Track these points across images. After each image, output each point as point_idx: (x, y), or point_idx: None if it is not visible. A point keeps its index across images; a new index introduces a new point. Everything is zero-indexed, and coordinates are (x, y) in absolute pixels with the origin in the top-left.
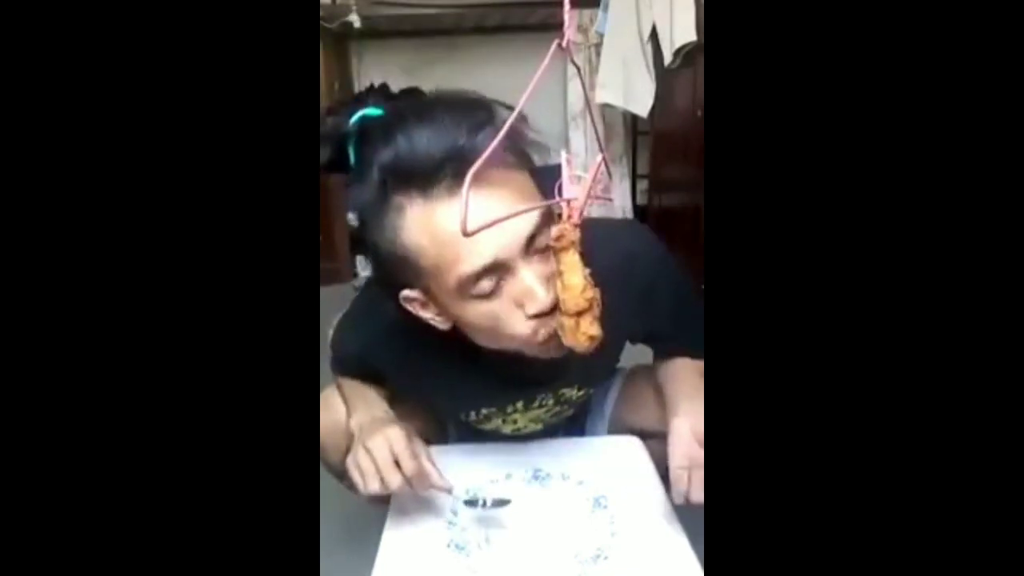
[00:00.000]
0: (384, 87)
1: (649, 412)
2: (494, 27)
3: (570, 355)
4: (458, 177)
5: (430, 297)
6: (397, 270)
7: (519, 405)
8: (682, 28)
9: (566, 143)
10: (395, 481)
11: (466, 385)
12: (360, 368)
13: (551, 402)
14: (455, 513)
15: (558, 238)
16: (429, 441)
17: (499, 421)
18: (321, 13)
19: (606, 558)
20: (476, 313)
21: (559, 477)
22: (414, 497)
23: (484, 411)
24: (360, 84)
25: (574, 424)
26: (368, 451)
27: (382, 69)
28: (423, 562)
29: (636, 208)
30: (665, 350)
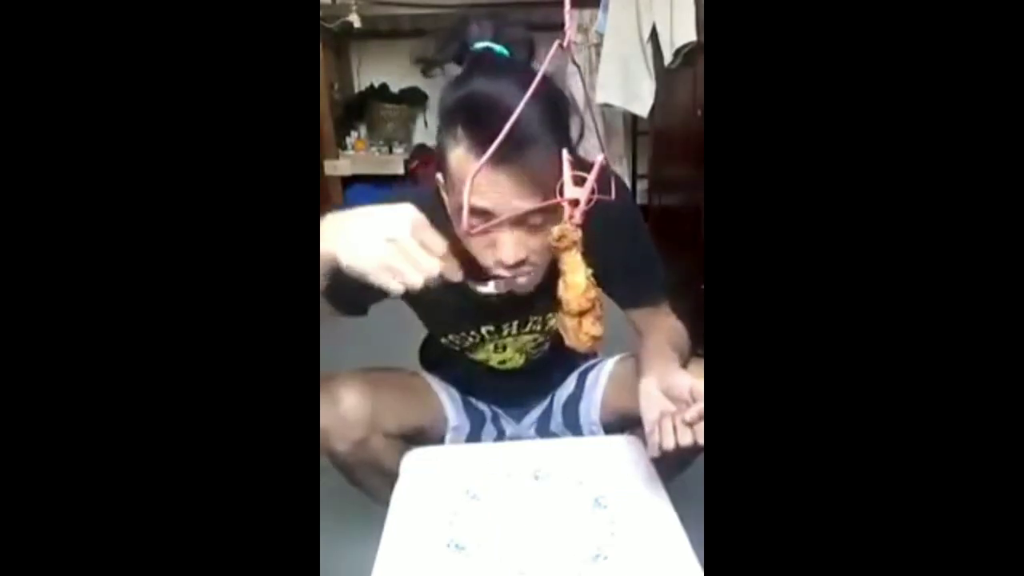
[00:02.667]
0: (384, 87)
1: (635, 397)
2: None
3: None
4: (502, 157)
5: (448, 193)
6: (439, 158)
7: (515, 325)
8: (682, 28)
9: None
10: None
11: (471, 297)
12: None
13: (539, 328)
14: (455, 513)
15: (560, 238)
16: (430, 441)
17: (491, 347)
18: (321, 13)
19: (606, 558)
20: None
21: (559, 477)
22: (414, 497)
23: (483, 329)
24: (360, 84)
25: (568, 412)
26: (394, 241)
27: (382, 69)
28: (423, 562)
29: None
30: (626, 298)
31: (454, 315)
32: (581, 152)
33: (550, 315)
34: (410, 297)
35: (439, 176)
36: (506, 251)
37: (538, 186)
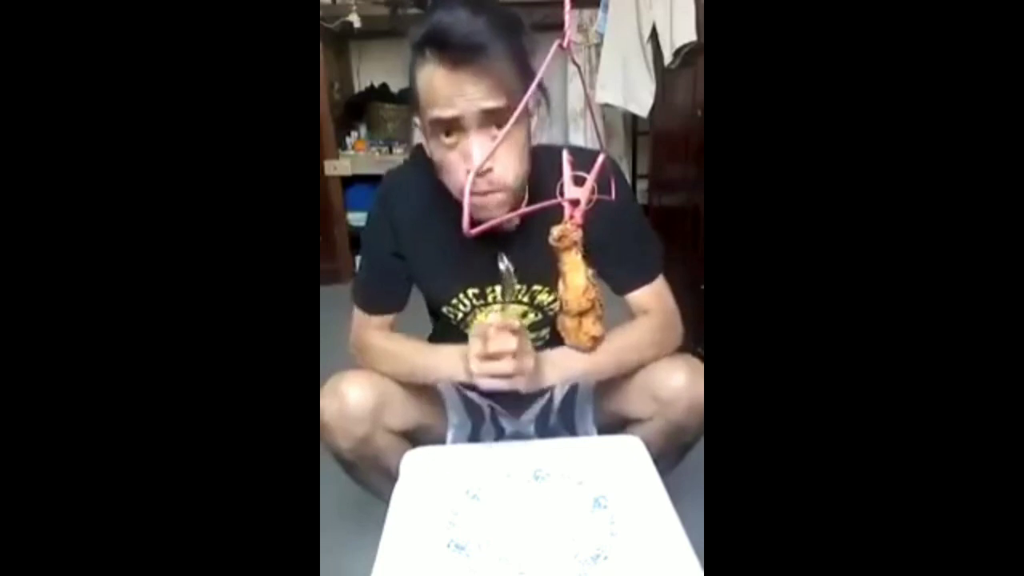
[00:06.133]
0: (384, 87)
1: (633, 399)
2: (528, 25)
3: (527, 244)
4: (460, 61)
5: (421, 128)
6: (414, 101)
7: (498, 291)
8: (682, 28)
9: (566, 143)
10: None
11: (454, 252)
12: (384, 239)
13: (526, 300)
14: (455, 513)
15: (560, 238)
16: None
17: (482, 316)
18: (321, 13)
19: (606, 558)
20: (438, 153)
21: (559, 477)
22: (414, 497)
23: (471, 292)
24: (360, 84)
25: (564, 414)
26: (487, 356)
27: (382, 69)
28: (423, 562)
29: None
30: (619, 279)
31: (441, 271)
32: (532, 62)
33: (536, 287)
34: (408, 255)
35: (416, 123)
36: (475, 157)
37: (500, 87)
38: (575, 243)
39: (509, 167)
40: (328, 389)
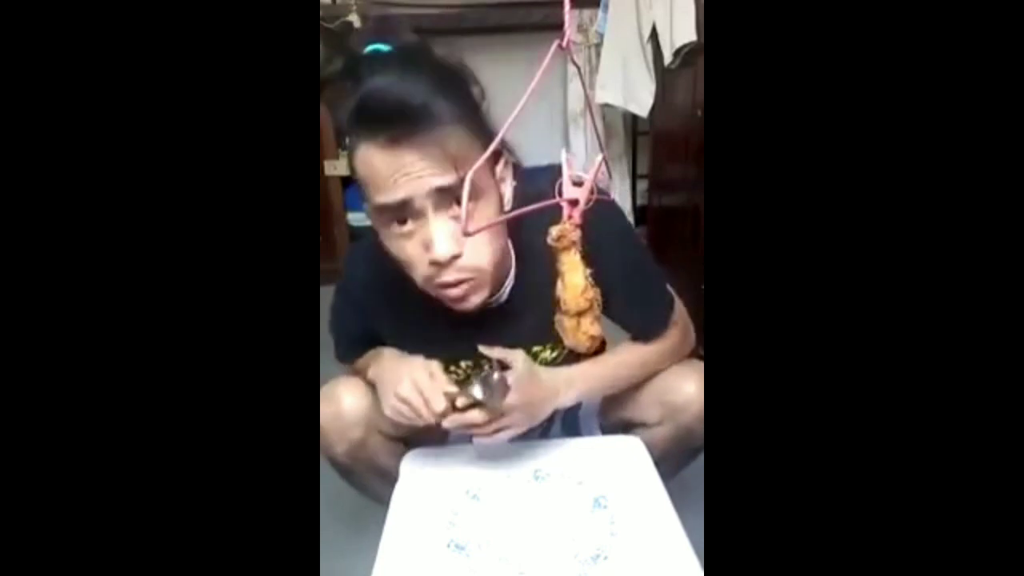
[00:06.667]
0: None
1: (643, 404)
2: (494, 27)
3: (522, 311)
4: (397, 135)
5: (373, 222)
6: (357, 185)
7: (494, 362)
8: (682, 28)
9: (566, 143)
10: (432, 418)
11: (440, 336)
12: (357, 307)
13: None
14: (455, 513)
15: (559, 238)
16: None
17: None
18: (321, 13)
19: (606, 558)
20: (395, 245)
21: (559, 477)
22: (414, 497)
23: (464, 364)
24: None
25: (568, 422)
26: (406, 401)
27: None
28: (423, 562)
29: (636, 208)
30: (621, 322)
31: (417, 348)
32: (485, 118)
33: (536, 348)
34: (381, 331)
35: (369, 213)
36: (438, 244)
37: (450, 158)
38: (574, 243)
39: (481, 250)
40: (323, 394)
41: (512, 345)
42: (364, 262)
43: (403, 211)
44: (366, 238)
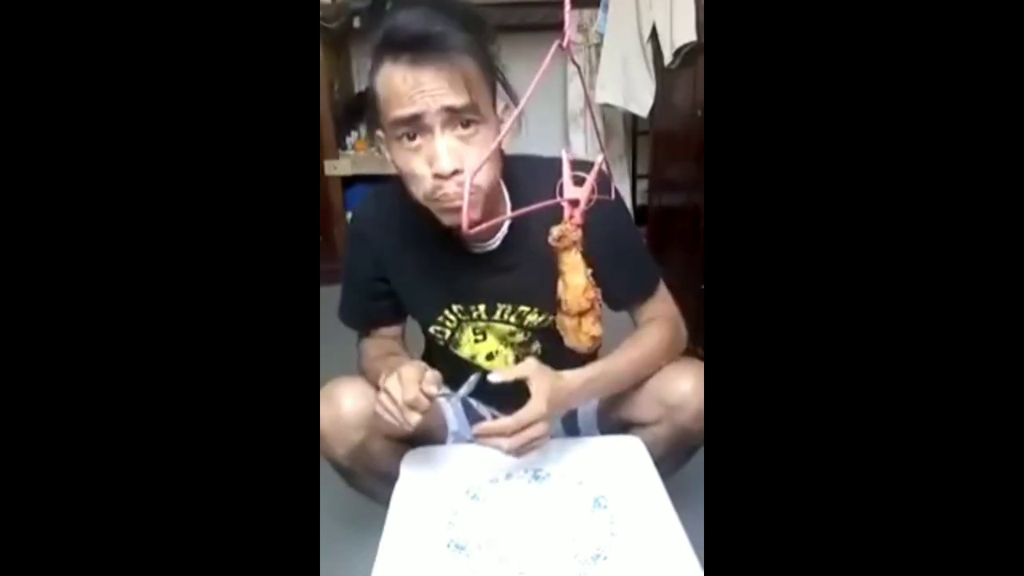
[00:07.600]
0: None
1: (641, 404)
2: (494, 27)
3: (513, 266)
4: (418, 56)
5: (385, 139)
6: (374, 110)
7: (482, 310)
8: (682, 28)
9: (566, 143)
10: (413, 420)
11: (436, 272)
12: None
13: (513, 320)
14: (455, 513)
15: (560, 238)
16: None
17: (469, 332)
18: (321, 13)
19: (606, 558)
20: (401, 158)
21: (559, 477)
22: (414, 497)
23: (455, 308)
24: (360, 84)
25: (568, 424)
26: (387, 392)
27: None
28: (423, 562)
29: (636, 208)
30: (614, 297)
31: (425, 292)
32: (493, 60)
33: (523, 308)
34: (392, 280)
35: (380, 137)
36: (441, 159)
37: (462, 83)
38: (575, 243)
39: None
40: (323, 395)
41: (503, 301)
42: (374, 200)
43: (414, 125)
44: (367, 201)
